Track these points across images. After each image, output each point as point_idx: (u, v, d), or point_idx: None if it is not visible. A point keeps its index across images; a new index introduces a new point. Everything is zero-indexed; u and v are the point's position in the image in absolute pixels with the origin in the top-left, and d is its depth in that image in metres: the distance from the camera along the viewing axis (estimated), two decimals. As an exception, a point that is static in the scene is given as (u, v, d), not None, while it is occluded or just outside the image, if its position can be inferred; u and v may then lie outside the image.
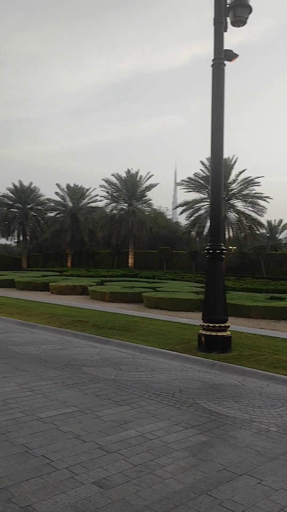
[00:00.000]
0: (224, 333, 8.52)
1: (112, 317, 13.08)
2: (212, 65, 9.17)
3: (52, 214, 53.92)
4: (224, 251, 8.92)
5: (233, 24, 9.36)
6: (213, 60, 9.15)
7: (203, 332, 8.57)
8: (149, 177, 48.59)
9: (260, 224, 42.02)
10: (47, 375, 6.46)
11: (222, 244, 8.97)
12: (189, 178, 42.37)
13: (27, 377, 6.30)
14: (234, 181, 41.45)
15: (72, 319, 12.34)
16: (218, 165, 9.13)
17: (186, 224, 45.06)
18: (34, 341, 9.26)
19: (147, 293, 17.38)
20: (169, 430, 4.40)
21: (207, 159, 41.49)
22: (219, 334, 8.46)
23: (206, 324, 8.60)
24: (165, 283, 24.20)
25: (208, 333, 8.49)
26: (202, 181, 41.75)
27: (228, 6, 9.27)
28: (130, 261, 46.64)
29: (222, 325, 8.57)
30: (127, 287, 20.50)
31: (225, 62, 9.20)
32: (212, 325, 8.51)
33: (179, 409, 5.10)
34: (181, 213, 43.27)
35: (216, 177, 9.13)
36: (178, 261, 45.29)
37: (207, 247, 8.97)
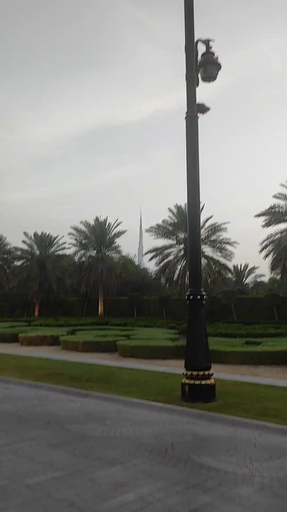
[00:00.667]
0: (208, 381, 8.35)
1: (88, 368, 12.66)
2: (186, 118, 9.52)
3: (19, 263, 53.16)
4: (204, 297, 8.91)
5: (204, 79, 9.84)
6: (186, 113, 9.51)
7: (187, 381, 8.37)
8: (118, 224, 49.09)
9: (228, 269, 42.77)
10: (29, 435, 6.07)
11: (202, 289, 8.98)
12: (157, 224, 43.06)
13: (6, 439, 5.89)
14: (201, 227, 42.41)
15: (46, 371, 11.86)
16: (195, 215, 9.29)
17: (155, 270, 45.30)
18: (9, 398, 8.78)
19: (122, 341, 17.03)
20: (169, 491, 4.15)
21: (175, 206, 42.48)
22: (203, 382, 8.29)
23: (189, 372, 8.42)
24: (138, 330, 23.88)
25: (192, 381, 8.30)
26: (170, 228, 42.48)
27: (198, 64, 9.79)
28: (100, 308, 46.05)
29: (206, 372, 8.42)
30: (100, 336, 20.07)
31: (198, 114, 9.60)
32: (195, 373, 8.34)
33: (175, 467, 4.84)
34: (151, 259, 43.58)
35: (193, 227, 9.26)
36: (149, 307, 45.07)
37: (188, 293, 8.94)
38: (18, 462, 4.95)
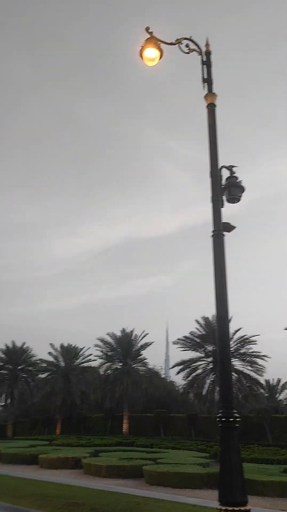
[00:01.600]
0: (246, 520, 7.45)
1: (111, 497, 11.63)
2: (212, 236, 9.85)
3: (43, 375, 52.09)
4: (237, 419, 8.34)
5: (229, 201, 10.35)
6: (213, 231, 9.85)
7: (223, 519, 7.48)
8: (144, 336, 48.53)
9: (260, 384, 40.65)
10: None
11: (235, 410, 8.45)
12: (185, 336, 42.31)
13: None
14: (230, 339, 41.42)
15: (66, 501, 10.93)
16: (224, 330, 9.06)
17: (183, 385, 43.44)
18: (25, 533, 8.00)
19: (148, 466, 15.78)
20: None
21: (203, 318, 42.09)
22: (240, 521, 7.39)
23: (224, 508, 7.56)
24: (166, 453, 22.23)
25: (228, 520, 7.41)
26: (198, 340, 41.62)
27: (223, 186, 10.42)
28: (125, 426, 43.61)
29: (242, 508, 7.55)
30: (125, 459, 18.72)
31: (224, 233, 9.96)
32: (230, 508, 7.48)
33: None
34: (178, 372, 42.05)
35: (223, 342, 8.99)
36: (176, 425, 42.43)
37: (219, 415, 8.40)
38: None
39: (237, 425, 8.34)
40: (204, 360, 40.98)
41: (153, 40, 10.00)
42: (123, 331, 49.26)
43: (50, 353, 52.00)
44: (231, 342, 41.35)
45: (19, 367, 53.20)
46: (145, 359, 48.73)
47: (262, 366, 40.00)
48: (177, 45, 9.95)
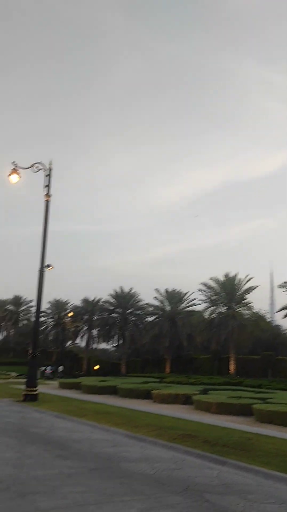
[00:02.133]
0: None
1: (223, 432, 12.11)
2: None
3: (150, 319, 54.62)
4: None
5: None
6: None
7: None
8: (248, 280, 47.99)
9: None
10: (167, 502, 5.92)
11: None
12: (292, 279, 40.97)
13: (147, 503, 5.82)
14: None
15: (180, 432, 11.63)
16: None
17: (290, 328, 42.63)
18: (145, 458, 8.75)
19: (258, 405, 16.05)
20: None
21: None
22: None
23: None
24: (275, 394, 22.33)
25: None
26: (305, 283, 40.09)
27: None
28: (232, 367, 44.46)
29: None
30: (233, 397, 19.19)
31: None
32: None
33: None
34: (286, 316, 41.24)
35: None
36: (284, 368, 42.15)
37: None
38: (159, 530, 4.83)
39: None
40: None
41: None
42: (226, 275, 49.18)
43: (155, 298, 54.11)
44: None
45: (128, 311, 56.31)
46: (250, 303, 48.50)
47: None
48: None
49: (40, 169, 20.74)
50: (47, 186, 20.88)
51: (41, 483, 6.50)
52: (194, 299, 52.02)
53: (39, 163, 20.80)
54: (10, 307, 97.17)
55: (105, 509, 5.46)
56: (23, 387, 20.59)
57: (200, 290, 49.57)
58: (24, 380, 23.09)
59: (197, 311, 52.24)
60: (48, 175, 20.93)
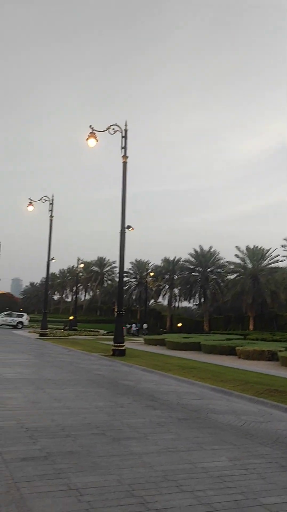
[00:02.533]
0: None
1: (311, 388, 11.85)
2: None
3: (231, 277, 54.02)
4: None
5: None
6: None
7: None
8: None
9: None
10: (257, 452, 5.98)
11: None
12: None
13: (236, 452, 5.92)
14: None
15: (266, 387, 11.59)
16: None
17: None
18: (233, 411, 8.86)
19: None
20: None
21: None
22: None
23: None
24: None
25: None
26: None
27: None
28: None
29: None
30: None
31: None
32: None
33: None
34: None
35: None
36: None
37: None
38: (249, 478, 4.91)
39: None
40: None
41: None
42: (311, 230, 46.78)
43: (236, 256, 53.17)
44: None
45: (209, 269, 56.10)
46: None
47: None
48: None
49: (116, 131, 20.80)
50: (124, 147, 20.93)
51: (133, 430, 6.87)
52: (278, 256, 50.41)
53: (115, 124, 20.84)
54: (95, 268, 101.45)
55: (195, 456, 5.65)
56: (111, 343, 21.64)
57: (283, 246, 47.81)
58: (111, 337, 24.23)
59: (281, 268, 50.67)
60: (124, 137, 20.94)
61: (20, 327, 45.56)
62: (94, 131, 20.80)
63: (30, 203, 34.22)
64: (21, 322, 46.65)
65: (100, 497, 4.25)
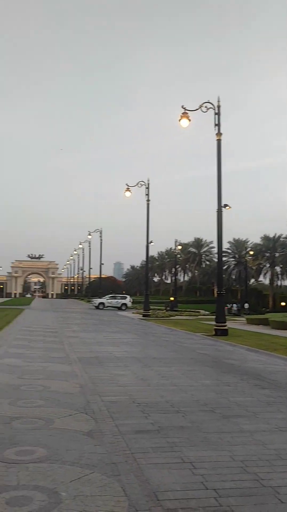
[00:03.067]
0: None
1: None
2: None
3: None
4: None
5: None
6: None
7: None
8: None
9: None
10: None
11: None
12: None
13: None
14: None
15: None
16: None
17: None
18: None
19: None
20: None
21: None
22: None
23: None
24: None
25: None
26: None
27: None
28: None
29: None
30: None
31: None
32: None
33: None
34: None
35: None
36: None
37: None
38: None
39: None
40: None
41: None
42: None
43: None
44: None
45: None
46: None
47: None
48: None
49: (209, 108, 20.35)
50: (217, 124, 20.43)
51: (242, 408, 6.84)
52: None
53: (207, 102, 20.39)
54: (192, 249, 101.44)
55: (309, 437, 5.46)
56: (212, 323, 21.60)
57: None
58: (212, 317, 24.17)
59: None
60: (217, 113, 20.41)
61: (124, 308, 47.42)
62: (186, 111, 20.58)
63: (127, 189, 35.07)
64: (125, 304, 48.52)
65: (214, 471, 4.32)
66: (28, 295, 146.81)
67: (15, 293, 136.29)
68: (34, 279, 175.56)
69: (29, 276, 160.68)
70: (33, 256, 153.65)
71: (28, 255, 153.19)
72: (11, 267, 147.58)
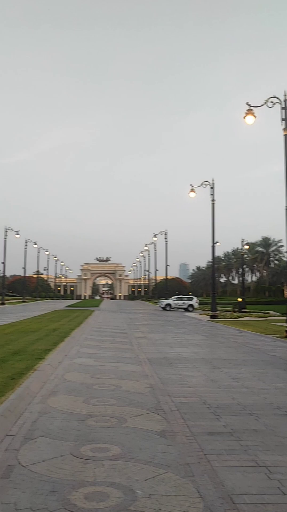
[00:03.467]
0: None
1: None
2: None
3: None
4: None
5: None
6: None
7: None
8: None
9: None
10: None
11: None
12: None
13: None
14: None
15: None
16: None
17: None
18: None
19: None
20: None
21: None
22: None
23: None
24: None
25: None
26: None
27: None
28: None
29: None
30: None
31: None
32: None
33: None
34: None
35: None
36: None
37: None
38: None
39: None
40: None
41: None
42: None
43: None
44: None
45: None
46: None
47: None
48: None
49: (275, 103, 19.72)
50: (285, 119, 19.73)
51: None
52: None
53: (273, 97, 19.77)
54: (260, 249, 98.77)
55: None
56: (283, 324, 20.86)
57: None
58: (283, 318, 23.33)
59: None
60: (284, 108, 19.72)
61: (190, 309, 47.20)
62: (251, 107, 20.11)
63: (192, 190, 34.90)
64: (191, 305, 48.28)
65: (291, 477, 4.18)
66: (97, 297, 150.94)
67: (84, 295, 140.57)
68: (102, 281, 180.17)
69: (97, 278, 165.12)
70: (101, 258, 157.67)
71: (96, 258, 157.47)
72: (81, 269, 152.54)
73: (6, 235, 53.69)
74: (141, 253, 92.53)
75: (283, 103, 19.71)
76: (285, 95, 19.75)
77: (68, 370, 9.76)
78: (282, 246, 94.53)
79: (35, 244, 73.91)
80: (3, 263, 54.19)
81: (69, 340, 15.41)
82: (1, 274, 63.35)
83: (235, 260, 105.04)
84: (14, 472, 4.20)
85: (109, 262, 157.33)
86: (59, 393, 7.58)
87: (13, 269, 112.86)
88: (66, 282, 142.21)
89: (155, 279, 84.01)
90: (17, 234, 57.01)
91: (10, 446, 4.91)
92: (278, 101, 19.70)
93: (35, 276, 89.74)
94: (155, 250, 71.49)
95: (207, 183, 33.78)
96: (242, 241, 54.90)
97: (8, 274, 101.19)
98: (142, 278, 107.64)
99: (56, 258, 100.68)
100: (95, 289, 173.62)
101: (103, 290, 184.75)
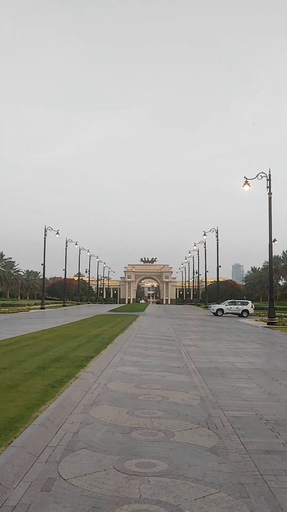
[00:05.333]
0: None
1: None
2: None
3: None
4: None
5: None
6: None
7: None
8: None
9: None
10: None
11: None
12: None
13: None
14: None
15: None
16: None
17: None
18: None
19: None
20: None
21: None
22: None
23: None
24: None
25: None
26: None
27: None
28: None
29: None
30: None
31: None
32: None
33: None
34: None
35: None
36: None
37: None
38: None
39: None
40: None
41: None
42: None
43: None
44: None
45: None
46: None
47: None
48: None
49: None
50: None
51: None
52: None
53: None
54: None
55: None
56: None
57: None
58: None
59: None
60: None
61: (245, 315, 46.41)
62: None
63: (246, 182, 34.32)
64: (246, 310, 47.46)
65: None
66: (142, 301, 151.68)
67: (128, 299, 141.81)
68: (147, 284, 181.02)
69: (142, 281, 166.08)
70: (146, 259, 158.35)
71: (141, 258, 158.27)
72: (124, 271, 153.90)
73: (45, 235, 55.03)
74: (190, 253, 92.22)
75: None
76: None
77: (111, 379, 9.89)
78: None
79: (76, 244, 75.50)
80: (42, 264, 55.68)
81: (112, 347, 15.60)
82: (41, 277, 65.02)
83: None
84: (55, 486, 4.32)
85: (155, 263, 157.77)
86: (102, 403, 7.69)
87: (53, 271, 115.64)
88: (108, 285, 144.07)
89: (205, 282, 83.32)
90: (57, 234, 58.46)
91: (50, 458, 5.05)
92: None
93: (76, 278, 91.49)
94: (205, 250, 71.00)
95: (263, 174, 33.15)
96: (304, 239, 53.33)
97: (48, 276, 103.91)
98: (190, 280, 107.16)
99: (98, 259, 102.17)
100: (140, 292, 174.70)
101: (149, 294, 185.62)
